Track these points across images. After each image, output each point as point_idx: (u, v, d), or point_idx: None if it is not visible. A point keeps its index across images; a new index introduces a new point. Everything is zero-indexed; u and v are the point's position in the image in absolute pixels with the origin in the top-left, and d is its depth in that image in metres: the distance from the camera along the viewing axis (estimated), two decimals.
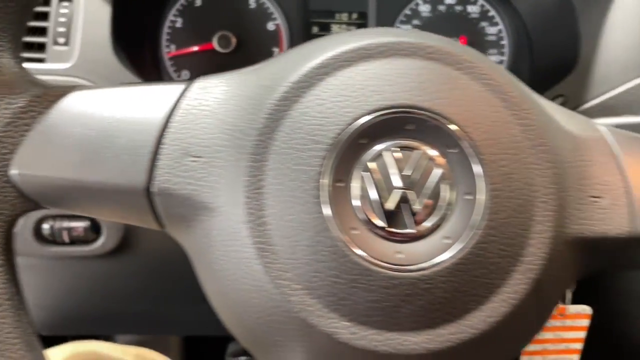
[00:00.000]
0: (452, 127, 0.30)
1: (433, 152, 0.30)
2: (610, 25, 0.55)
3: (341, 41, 0.32)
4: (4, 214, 0.32)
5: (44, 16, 0.54)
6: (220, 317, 0.33)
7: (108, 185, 0.31)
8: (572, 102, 0.55)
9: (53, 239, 0.54)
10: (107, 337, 0.80)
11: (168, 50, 0.67)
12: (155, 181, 0.31)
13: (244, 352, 0.86)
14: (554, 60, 0.61)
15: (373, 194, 0.29)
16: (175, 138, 0.31)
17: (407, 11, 0.69)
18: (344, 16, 0.69)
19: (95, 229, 0.55)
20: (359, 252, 0.29)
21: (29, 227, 0.54)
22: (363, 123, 0.30)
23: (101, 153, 0.31)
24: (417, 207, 0.29)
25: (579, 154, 0.32)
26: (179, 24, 0.67)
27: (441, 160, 0.30)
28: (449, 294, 0.29)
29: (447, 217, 0.30)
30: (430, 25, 0.69)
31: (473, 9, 0.69)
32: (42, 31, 0.54)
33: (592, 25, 0.56)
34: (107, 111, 0.32)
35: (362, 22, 0.69)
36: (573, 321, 0.53)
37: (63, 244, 0.55)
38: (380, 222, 0.29)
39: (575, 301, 0.51)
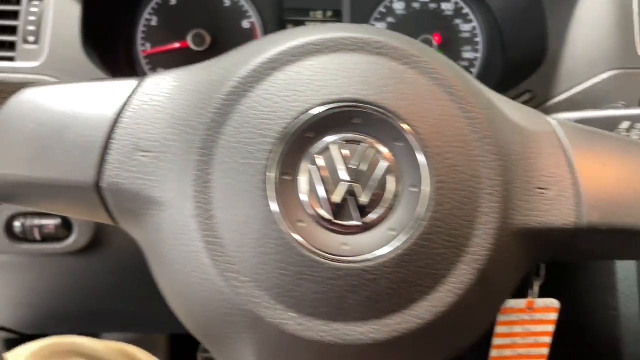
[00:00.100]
0: (398, 120, 0.30)
1: (379, 146, 0.30)
2: (577, 20, 0.55)
3: (291, 37, 0.32)
4: None
5: (14, 15, 0.55)
6: (174, 311, 0.33)
7: (59, 181, 0.31)
8: (540, 98, 0.55)
9: (25, 237, 0.55)
10: (95, 336, 0.80)
11: (143, 49, 0.68)
12: (105, 176, 0.31)
13: None
14: (524, 56, 0.62)
15: (320, 187, 0.30)
16: (126, 133, 0.31)
17: (381, 9, 0.69)
18: (319, 14, 0.69)
19: (67, 226, 0.55)
20: (305, 244, 0.29)
21: (0, 225, 0.54)
22: (310, 117, 0.30)
23: (53, 149, 0.31)
24: (363, 199, 0.30)
25: (528, 146, 0.32)
26: (154, 23, 0.67)
27: (387, 153, 0.30)
28: (395, 284, 0.29)
29: (393, 209, 0.30)
30: (404, 22, 0.69)
31: (447, 6, 0.69)
32: (12, 30, 0.54)
33: (560, 21, 0.56)
34: (60, 107, 0.32)
35: (336, 20, 0.69)
36: (542, 315, 0.54)
37: (35, 241, 0.55)
38: (326, 215, 0.30)
39: (543, 295, 0.51)
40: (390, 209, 0.30)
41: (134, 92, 0.32)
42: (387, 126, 0.30)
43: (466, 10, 0.69)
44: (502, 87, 0.59)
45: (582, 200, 0.32)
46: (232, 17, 0.68)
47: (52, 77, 0.53)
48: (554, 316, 0.53)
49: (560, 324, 0.52)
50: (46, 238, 0.55)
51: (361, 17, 0.69)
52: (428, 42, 0.68)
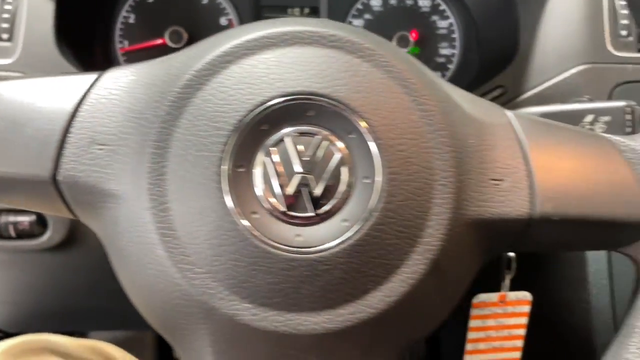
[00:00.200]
0: (351, 113, 0.30)
1: (333, 138, 0.31)
2: (548, 15, 0.56)
3: (247, 30, 0.33)
4: None
5: None
6: (134, 303, 0.33)
7: (17, 174, 0.31)
8: (511, 93, 0.56)
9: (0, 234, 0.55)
10: (82, 335, 0.79)
11: (121, 46, 0.68)
12: (62, 169, 0.31)
13: None
14: (497, 52, 0.62)
15: (274, 179, 0.30)
16: (83, 127, 0.31)
17: (358, 5, 0.70)
18: (296, 11, 0.70)
19: (42, 222, 0.56)
20: (258, 235, 0.29)
21: None
22: (264, 109, 0.30)
23: (11, 142, 0.32)
24: (316, 191, 0.30)
25: (482, 138, 0.33)
26: (131, 20, 0.68)
27: (341, 145, 0.31)
28: (348, 274, 0.29)
29: (346, 200, 0.30)
30: (381, 19, 0.70)
31: (424, 3, 0.70)
32: None
33: (531, 16, 0.57)
34: (18, 101, 0.32)
35: (314, 17, 0.70)
36: (514, 307, 0.54)
37: (10, 238, 0.55)
38: (280, 207, 0.30)
39: (515, 288, 0.52)
40: (343, 201, 0.30)
41: (92, 85, 0.32)
42: (341, 118, 0.31)
43: (443, 6, 0.70)
44: (478, 82, 0.59)
45: (535, 192, 0.32)
46: (210, 14, 0.68)
47: (25, 74, 0.53)
48: (526, 309, 0.53)
49: (533, 316, 0.53)
50: (21, 235, 0.55)
51: (338, 14, 0.69)
52: (405, 39, 0.69)
